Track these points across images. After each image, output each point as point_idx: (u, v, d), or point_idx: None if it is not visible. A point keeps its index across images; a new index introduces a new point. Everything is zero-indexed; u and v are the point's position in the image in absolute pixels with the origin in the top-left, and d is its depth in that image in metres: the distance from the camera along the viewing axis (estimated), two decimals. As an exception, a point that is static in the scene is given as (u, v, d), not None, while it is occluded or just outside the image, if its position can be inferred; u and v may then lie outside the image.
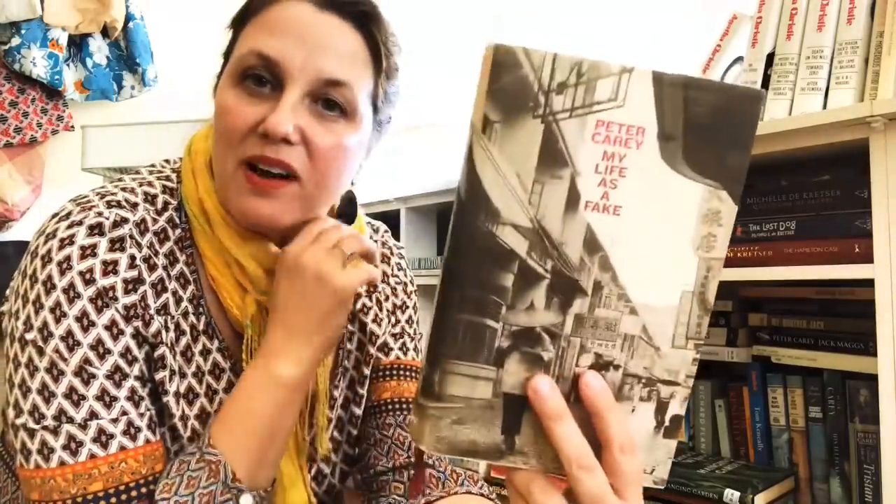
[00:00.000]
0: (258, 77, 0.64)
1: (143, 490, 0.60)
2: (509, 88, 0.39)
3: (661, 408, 0.45)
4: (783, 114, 1.07)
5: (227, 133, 0.64)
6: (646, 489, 0.47)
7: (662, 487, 0.47)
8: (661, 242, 0.43)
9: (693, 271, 0.44)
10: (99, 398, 0.60)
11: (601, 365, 0.44)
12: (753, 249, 1.08)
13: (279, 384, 0.64)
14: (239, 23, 0.69)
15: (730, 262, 1.10)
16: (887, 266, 0.90)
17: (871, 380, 0.96)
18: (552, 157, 0.40)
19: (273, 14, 0.65)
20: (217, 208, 0.68)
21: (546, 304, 0.43)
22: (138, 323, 0.63)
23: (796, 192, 1.06)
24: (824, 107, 1.03)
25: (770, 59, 1.10)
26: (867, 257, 0.93)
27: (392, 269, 0.87)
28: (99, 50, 2.24)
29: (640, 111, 0.41)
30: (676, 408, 0.45)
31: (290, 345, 0.65)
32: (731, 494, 1.04)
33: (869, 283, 0.92)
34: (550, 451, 0.44)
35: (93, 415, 0.60)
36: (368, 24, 0.66)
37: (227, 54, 0.70)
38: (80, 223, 0.62)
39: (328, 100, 0.65)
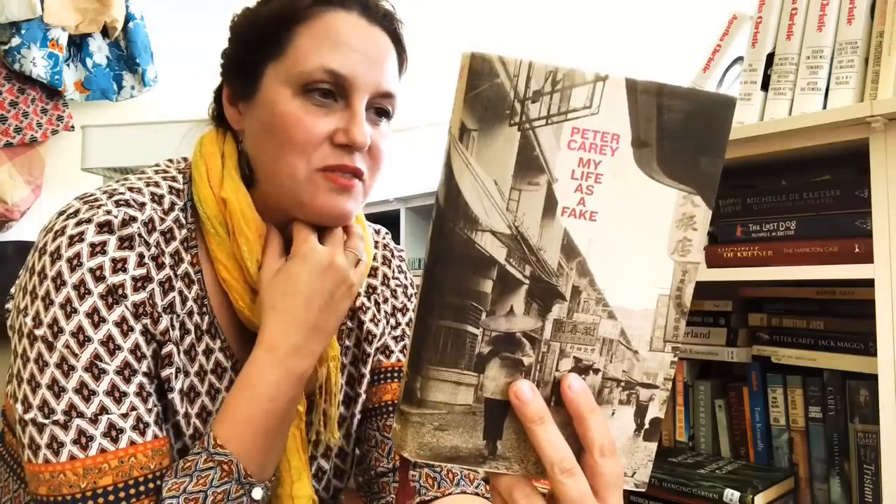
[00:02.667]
0: (325, 90, 0.67)
1: (151, 485, 0.61)
2: (486, 96, 0.39)
3: (641, 411, 0.46)
4: (783, 114, 1.07)
5: (299, 143, 0.67)
6: (641, 491, 0.47)
7: (643, 490, 0.48)
8: (638, 247, 0.43)
9: (669, 275, 0.44)
10: (109, 393, 0.61)
11: (581, 369, 0.44)
12: (753, 249, 1.08)
13: (299, 381, 0.67)
14: (280, 26, 0.69)
15: (730, 262, 1.10)
16: (887, 266, 0.90)
17: (871, 380, 0.96)
18: (529, 164, 0.41)
19: (329, 25, 0.68)
20: (243, 213, 0.69)
21: (525, 309, 0.43)
22: (147, 320, 0.64)
23: (796, 192, 1.06)
24: (824, 107, 1.03)
25: (770, 59, 1.10)
26: (867, 257, 0.93)
27: (393, 272, 0.88)
28: (99, 50, 2.24)
29: (614, 118, 0.41)
30: (655, 410, 0.46)
31: (310, 342, 0.67)
32: (731, 494, 1.04)
33: (869, 283, 0.92)
34: (532, 456, 0.44)
35: (103, 409, 0.60)
36: (399, 35, 0.73)
37: (263, 56, 0.69)
38: (88, 220, 0.63)
39: (380, 108, 0.71)
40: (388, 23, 0.71)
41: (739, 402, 1.20)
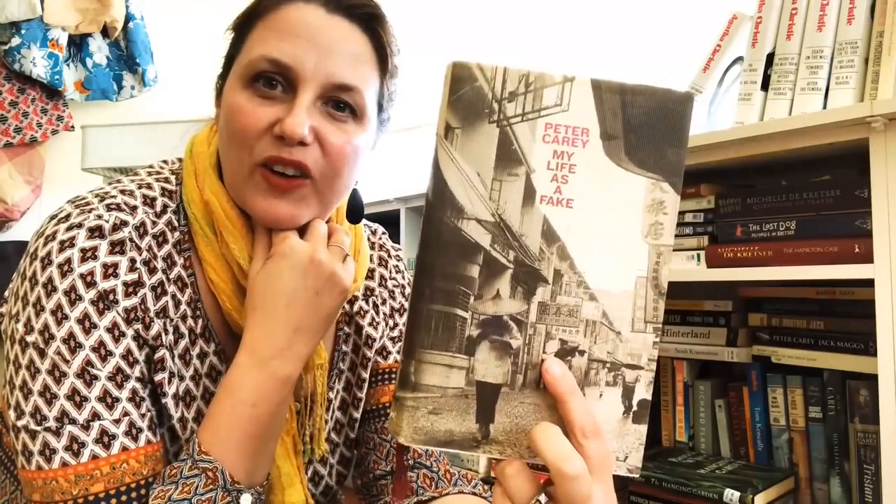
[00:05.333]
0: (270, 79, 0.64)
1: (143, 491, 0.60)
2: (467, 98, 0.44)
3: (628, 392, 0.48)
4: (783, 114, 1.07)
5: (239, 134, 0.65)
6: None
7: (637, 476, 0.49)
8: (613, 232, 0.47)
9: (645, 258, 0.47)
10: (101, 399, 0.60)
11: (567, 350, 0.47)
12: (753, 249, 1.08)
13: (284, 385, 0.64)
14: (245, 24, 0.68)
15: (730, 262, 1.10)
16: (887, 266, 0.90)
17: (871, 380, 0.96)
18: (508, 157, 0.45)
19: (283, 16, 0.65)
20: (224, 209, 0.68)
21: (511, 292, 0.46)
22: (138, 325, 0.63)
23: (796, 192, 1.06)
24: (824, 107, 1.03)
25: (770, 59, 1.10)
26: (867, 257, 0.93)
27: (390, 272, 0.87)
28: (99, 50, 2.24)
29: (583, 114, 0.46)
30: (642, 392, 0.48)
31: (294, 344, 0.65)
32: (731, 494, 1.04)
33: (869, 283, 0.92)
34: (525, 440, 0.46)
35: (95, 416, 0.60)
36: (375, 27, 0.68)
37: (232, 55, 0.69)
38: (79, 225, 0.62)
39: (338, 101, 0.66)
40: (356, 13, 0.67)
41: (739, 402, 1.20)
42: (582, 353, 0.47)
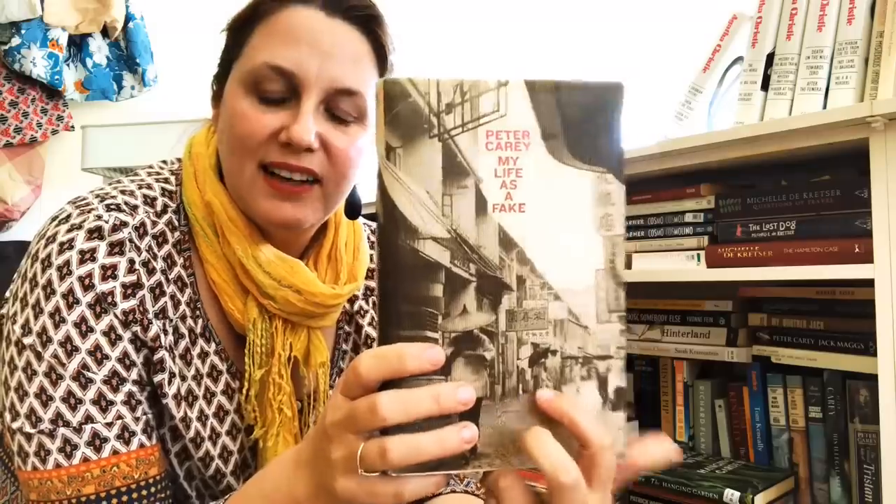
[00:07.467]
0: (273, 86, 0.65)
1: (135, 495, 0.61)
2: (404, 115, 0.44)
3: (603, 383, 0.48)
4: (783, 114, 1.07)
5: (243, 140, 0.65)
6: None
7: (623, 461, 0.49)
8: (566, 229, 0.47)
9: (601, 250, 0.48)
10: (95, 402, 0.60)
11: (540, 353, 0.47)
12: (753, 249, 1.08)
13: None
14: (243, 27, 0.68)
15: (730, 262, 1.10)
16: (887, 266, 0.90)
17: (871, 380, 0.95)
18: (454, 170, 0.45)
19: (283, 21, 0.65)
20: (227, 210, 0.68)
21: (478, 305, 0.46)
22: (137, 328, 0.63)
23: (796, 192, 1.06)
24: (824, 107, 1.03)
25: (770, 59, 1.10)
26: (867, 257, 0.93)
27: None
28: (99, 50, 2.24)
29: (521, 117, 0.46)
30: (616, 380, 0.48)
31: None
32: (731, 494, 1.04)
33: (869, 283, 0.92)
34: (513, 448, 0.46)
35: (88, 419, 0.60)
36: (374, 28, 0.68)
37: (230, 57, 0.69)
38: (79, 227, 0.62)
39: (341, 105, 0.66)
40: (354, 15, 0.67)
41: (739, 402, 1.20)
42: (554, 352, 0.47)
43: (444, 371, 0.45)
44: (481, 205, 0.45)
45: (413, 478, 0.44)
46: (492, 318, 0.46)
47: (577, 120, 0.46)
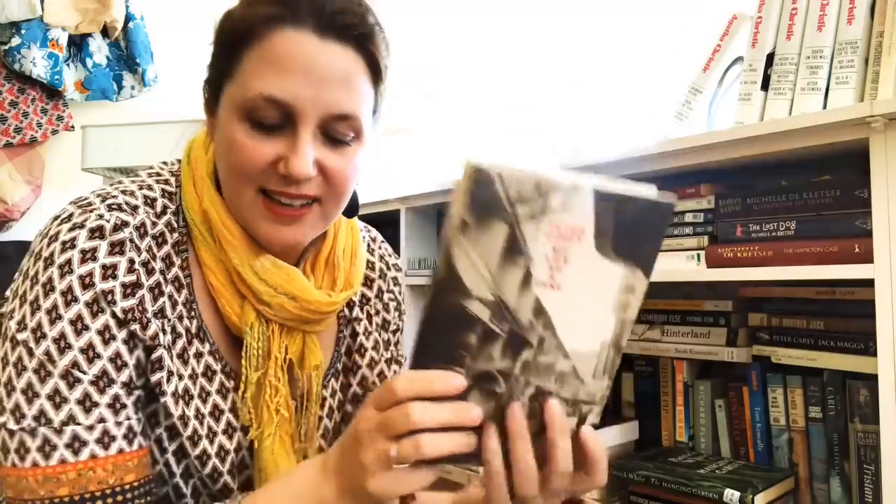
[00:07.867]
0: (268, 114, 0.64)
1: (109, 500, 0.61)
2: (483, 200, 0.49)
3: (582, 420, 0.59)
4: (783, 114, 1.07)
5: (241, 168, 0.65)
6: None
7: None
8: (590, 307, 0.55)
9: (612, 327, 0.56)
10: (80, 402, 0.61)
11: (539, 393, 0.56)
12: (753, 249, 1.08)
13: None
14: (234, 45, 0.66)
15: (730, 262, 1.10)
16: (887, 266, 0.90)
17: (871, 380, 0.95)
18: (513, 250, 0.51)
19: (276, 47, 0.64)
20: (223, 221, 0.69)
21: (501, 355, 0.54)
22: (136, 326, 0.63)
23: (796, 192, 1.06)
24: (824, 107, 1.03)
25: (770, 59, 1.10)
26: (867, 257, 0.93)
27: (388, 285, 0.89)
28: (99, 50, 2.24)
29: (582, 217, 0.52)
30: (593, 419, 0.59)
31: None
32: (731, 494, 1.04)
33: (869, 283, 0.92)
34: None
35: (70, 419, 0.60)
36: (367, 44, 0.67)
37: (222, 73, 0.68)
38: (81, 226, 0.63)
39: (338, 128, 0.66)
40: (346, 34, 0.65)
41: (739, 402, 1.20)
42: (551, 394, 0.56)
43: (461, 397, 0.54)
44: (526, 280, 0.52)
45: (432, 469, 0.55)
46: (510, 365, 0.54)
47: (628, 225, 0.53)
